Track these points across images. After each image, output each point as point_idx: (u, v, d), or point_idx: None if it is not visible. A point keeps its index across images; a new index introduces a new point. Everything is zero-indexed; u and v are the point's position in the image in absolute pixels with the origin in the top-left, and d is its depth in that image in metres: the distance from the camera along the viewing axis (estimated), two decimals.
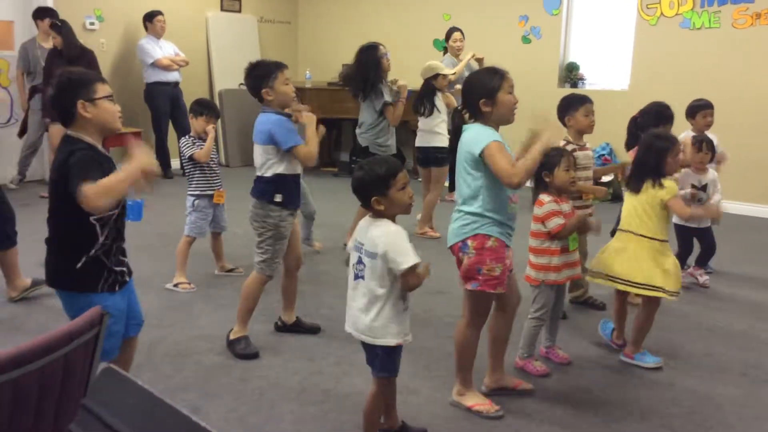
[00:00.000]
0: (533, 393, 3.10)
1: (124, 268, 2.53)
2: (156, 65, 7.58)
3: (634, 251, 3.39)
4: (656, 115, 4.18)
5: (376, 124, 5.21)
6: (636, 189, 3.41)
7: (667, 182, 3.36)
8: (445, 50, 6.86)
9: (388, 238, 2.40)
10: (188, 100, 7.80)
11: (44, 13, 6.84)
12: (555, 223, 3.16)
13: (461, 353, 2.96)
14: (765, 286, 4.81)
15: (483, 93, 2.75)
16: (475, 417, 2.91)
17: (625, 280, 3.40)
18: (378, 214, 2.46)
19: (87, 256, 2.38)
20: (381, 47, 5.19)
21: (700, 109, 4.72)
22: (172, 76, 7.76)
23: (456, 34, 6.66)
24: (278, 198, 3.38)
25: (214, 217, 4.54)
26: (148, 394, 1.17)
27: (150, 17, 7.64)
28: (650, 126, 4.12)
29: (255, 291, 3.48)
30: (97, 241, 2.38)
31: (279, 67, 3.35)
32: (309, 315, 3.90)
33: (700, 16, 6.95)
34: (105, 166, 2.37)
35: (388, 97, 5.12)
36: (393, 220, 2.47)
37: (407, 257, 2.37)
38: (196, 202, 4.43)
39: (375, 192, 2.41)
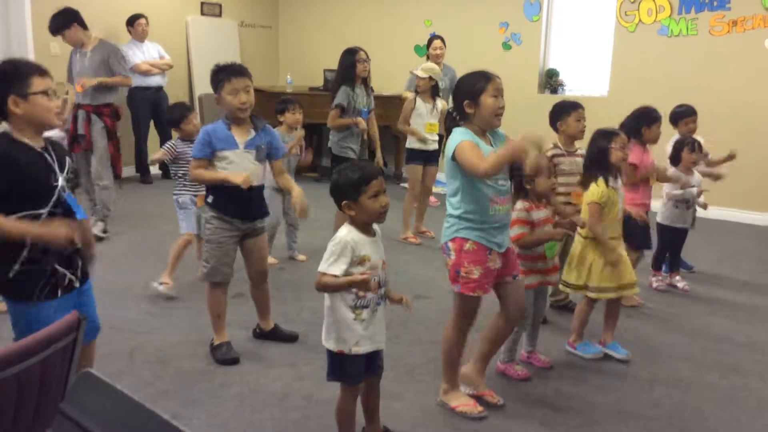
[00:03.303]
0: (502, 408, 3.05)
1: (74, 272, 2.40)
2: (135, 71, 7.52)
3: (583, 255, 3.48)
4: (645, 116, 4.24)
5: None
6: (585, 187, 3.51)
7: (596, 185, 3.41)
8: (428, 57, 6.89)
9: (332, 242, 2.41)
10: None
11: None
12: (515, 231, 3.16)
13: (447, 354, 2.98)
14: (742, 289, 4.86)
15: (467, 94, 2.77)
16: (457, 422, 2.91)
17: (579, 286, 3.52)
18: (351, 220, 2.46)
19: (18, 262, 2.24)
20: (360, 52, 5.19)
21: (682, 117, 4.80)
22: (154, 81, 7.72)
23: (436, 42, 6.70)
24: (209, 199, 3.35)
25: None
26: (127, 399, 1.16)
27: (131, 21, 7.61)
28: (637, 127, 4.20)
29: (212, 298, 3.45)
30: (25, 245, 2.23)
31: (229, 75, 3.22)
32: (291, 320, 3.88)
33: (678, 23, 7.03)
34: (26, 164, 2.24)
35: (343, 101, 5.11)
36: (365, 226, 2.45)
37: (323, 263, 2.38)
38: (180, 200, 4.38)
39: (346, 197, 2.41)
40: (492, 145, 2.80)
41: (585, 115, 3.93)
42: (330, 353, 2.49)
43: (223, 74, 3.24)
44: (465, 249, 2.78)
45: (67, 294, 2.37)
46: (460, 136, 2.75)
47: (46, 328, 1.49)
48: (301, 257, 5.17)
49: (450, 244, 2.82)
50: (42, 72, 2.30)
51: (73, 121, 5.51)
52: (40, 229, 2.20)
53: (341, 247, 2.37)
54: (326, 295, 2.47)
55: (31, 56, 6.95)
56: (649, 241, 4.37)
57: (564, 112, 3.93)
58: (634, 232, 4.18)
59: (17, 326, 2.35)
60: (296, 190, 3.32)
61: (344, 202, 2.41)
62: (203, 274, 3.43)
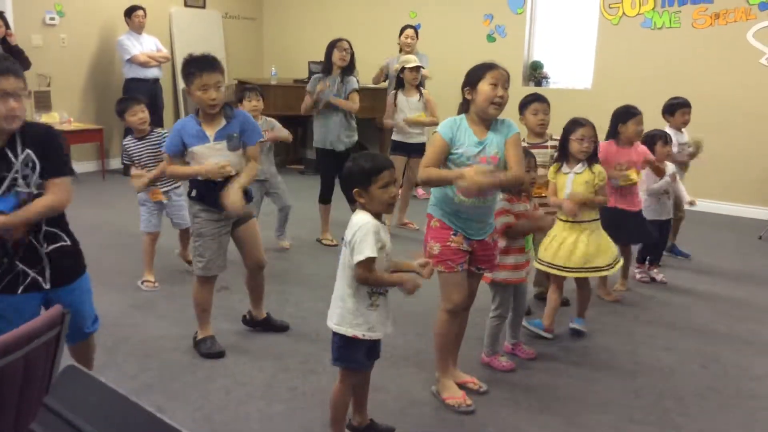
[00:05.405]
0: (485, 393, 3.10)
1: (39, 272, 2.37)
2: (133, 62, 7.50)
3: (575, 238, 3.59)
4: (624, 113, 4.25)
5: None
6: (555, 171, 3.67)
7: (598, 168, 3.60)
8: (401, 49, 6.87)
9: (357, 228, 2.42)
10: None
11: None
12: (500, 221, 3.17)
13: (436, 339, 3.02)
14: (722, 280, 4.92)
15: (468, 81, 2.88)
16: (443, 413, 2.93)
17: (567, 268, 3.61)
18: (361, 208, 2.47)
19: None
20: (342, 41, 5.16)
21: (679, 107, 4.88)
22: (151, 73, 7.71)
23: (408, 31, 6.71)
24: (193, 193, 3.31)
25: (168, 213, 4.45)
26: (111, 392, 1.16)
27: (128, 12, 7.60)
28: (614, 126, 4.22)
29: (200, 293, 3.40)
30: None
31: (200, 69, 3.11)
32: (276, 313, 3.87)
33: (661, 16, 7.07)
34: None
35: (310, 87, 5.22)
36: (375, 215, 2.46)
37: (362, 252, 2.36)
38: (141, 196, 4.37)
39: (358, 184, 2.43)
40: (491, 133, 2.83)
41: (544, 108, 3.82)
42: (342, 338, 2.48)
43: (193, 68, 3.12)
44: (431, 225, 2.95)
45: (30, 293, 2.36)
46: (441, 125, 2.87)
47: (28, 323, 1.49)
48: (285, 244, 5.17)
49: (427, 219, 2.99)
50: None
51: None
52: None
53: (371, 231, 2.38)
54: (347, 279, 2.44)
55: None
56: (646, 233, 4.40)
57: (524, 107, 3.89)
58: (630, 228, 4.22)
59: None
60: (235, 185, 3.16)
61: (355, 189, 2.43)
62: (198, 269, 3.34)
